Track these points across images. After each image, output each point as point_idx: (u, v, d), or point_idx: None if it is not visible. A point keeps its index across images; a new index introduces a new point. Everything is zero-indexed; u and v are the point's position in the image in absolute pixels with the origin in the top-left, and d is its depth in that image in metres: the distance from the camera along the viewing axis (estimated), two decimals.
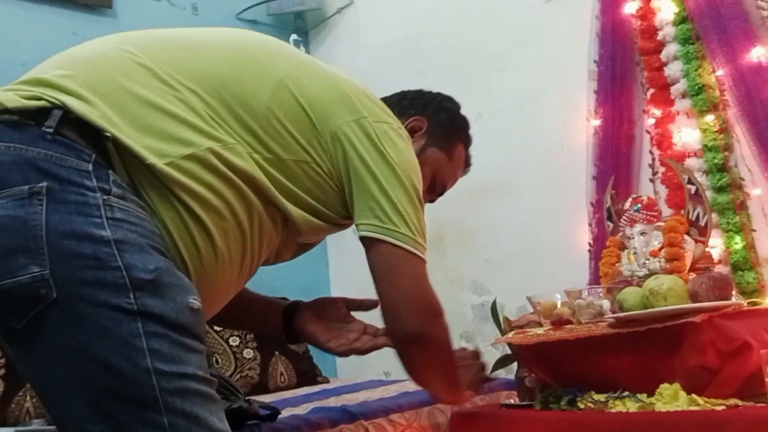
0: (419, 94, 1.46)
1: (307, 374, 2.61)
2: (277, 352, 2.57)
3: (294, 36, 3.10)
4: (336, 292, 3.13)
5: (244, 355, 2.49)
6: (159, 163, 0.92)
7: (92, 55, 1.00)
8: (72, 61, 0.98)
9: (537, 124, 2.38)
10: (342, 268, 3.13)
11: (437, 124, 1.38)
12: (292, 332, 1.33)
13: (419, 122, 1.36)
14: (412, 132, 1.32)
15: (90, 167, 0.88)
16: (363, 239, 1.09)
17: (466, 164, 1.51)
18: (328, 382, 2.64)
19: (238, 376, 2.44)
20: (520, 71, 2.46)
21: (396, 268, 1.09)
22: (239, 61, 1.04)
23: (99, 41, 1.05)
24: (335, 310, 1.34)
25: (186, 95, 0.97)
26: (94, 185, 0.87)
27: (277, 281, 3.01)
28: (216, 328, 2.56)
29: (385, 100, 1.30)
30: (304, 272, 3.15)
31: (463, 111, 2.58)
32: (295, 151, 1.04)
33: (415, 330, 1.11)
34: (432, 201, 1.44)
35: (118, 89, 0.95)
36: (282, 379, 2.52)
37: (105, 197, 0.87)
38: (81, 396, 0.83)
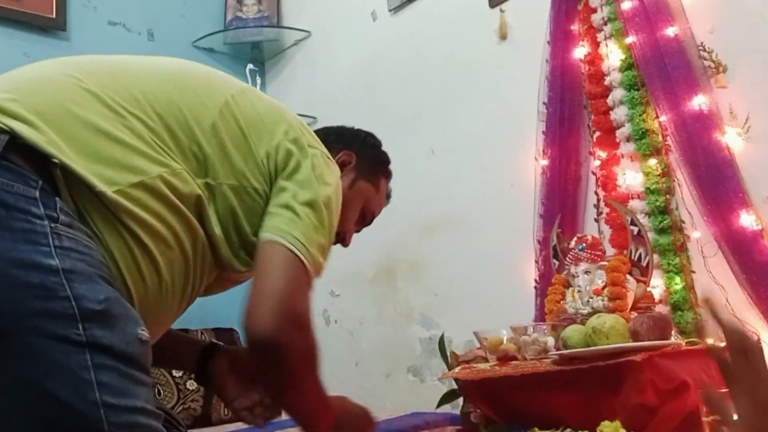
0: (343, 129, 1.52)
1: None
2: None
3: (250, 66, 3.10)
4: None
5: (188, 386, 2.44)
6: (108, 191, 0.90)
7: (37, 78, 0.99)
8: (17, 84, 0.97)
9: (488, 162, 2.42)
10: None
11: (364, 159, 1.44)
12: (205, 375, 1.27)
13: (348, 156, 1.41)
14: (342, 165, 1.35)
15: (37, 194, 0.86)
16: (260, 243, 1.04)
17: (388, 196, 1.57)
18: None
19: (181, 408, 2.38)
20: (472, 109, 2.50)
21: (275, 265, 1.01)
22: (183, 89, 1.04)
23: (42, 65, 1.03)
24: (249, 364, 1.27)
25: (131, 122, 0.96)
26: (42, 212, 0.85)
27: (225, 312, 2.97)
28: None
29: None
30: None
31: (417, 146, 2.64)
32: (237, 176, 1.03)
33: (272, 334, 0.98)
34: (359, 231, 1.49)
35: (65, 114, 0.93)
36: (225, 412, 2.47)
37: (53, 225, 0.85)
38: (32, 428, 0.81)
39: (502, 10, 2.44)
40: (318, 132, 1.38)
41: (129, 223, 0.92)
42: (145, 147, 0.95)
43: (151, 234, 0.94)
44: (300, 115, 3.11)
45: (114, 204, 0.91)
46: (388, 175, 1.55)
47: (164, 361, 1.32)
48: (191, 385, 2.45)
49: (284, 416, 1.20)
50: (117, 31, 2.96)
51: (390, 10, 2.84)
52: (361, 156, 1.43)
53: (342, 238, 1.40)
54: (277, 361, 1.02)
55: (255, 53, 3.30)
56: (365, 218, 1.48)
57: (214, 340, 1.36)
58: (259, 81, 3.14)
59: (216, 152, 1.01)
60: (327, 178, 1.09)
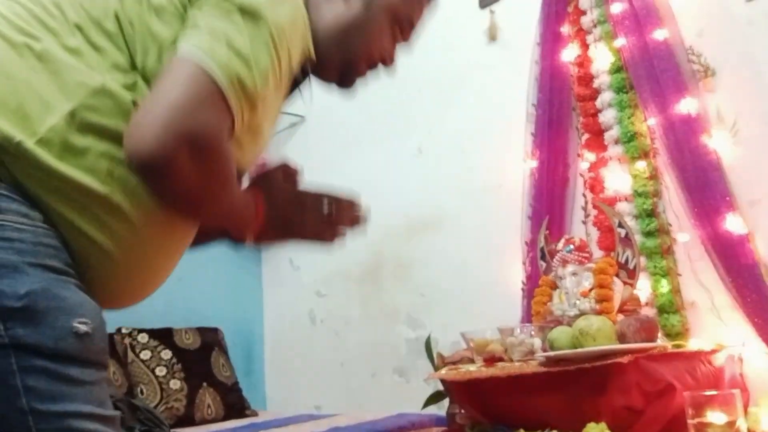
0: None
1: (235, 407, 2.55)
2: (204, 384, 2.50)
3: None
4: (269, 324, 3.09)
5: (171, 385, 2.42)
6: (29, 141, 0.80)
7: None
8: None
9: (476, 162, 2.42)
10: (277, 302, 3.09)
11: None
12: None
13: None
14: None
15: None
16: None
17: None
18: (256, 415, 2.58)
19: (164, 407, 2.36)
20: (461, 109, 2.50)
21: (169, 79, 0.82)
22: None
23: None
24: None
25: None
26: None
27: (210, 310, 2.95)
28: (142, 356, 2.47)
29: None
30: (238, 304, 3.10)
31: (404, 146, 2.64)
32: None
33: (152, 151, 0.80)
34: (407, 39, 1.16)
35: None
36: (209, 412, 2.45)
37: None
38: None
39: (492, 11, 2.44)
40: None
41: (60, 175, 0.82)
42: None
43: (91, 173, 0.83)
44: (288, 113, 3.10)
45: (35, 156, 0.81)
46: None
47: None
48: (174, 384, 2.43)
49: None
50: None
51: None
52: None
53: (383, 59, 1.12)
54: (163, 187, 0.84)
55: None
56: (403, 28, 1.13)
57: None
58: None
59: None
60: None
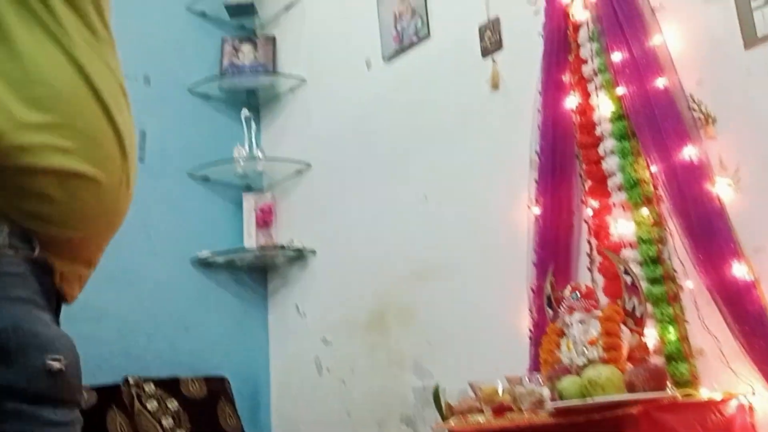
0: None
1: None
2: None
3: (245, 112, 3.14)
4: (275, 372, 3.07)
5: None
6: None
7: None
8: None
9: (481, 209, 2.43)
10: (283, 350, 3.08)
11: None
12: None
13: None
14: None
15: None
16: None
17: None
18: None
19: None
20: (465, 156, 2.53)
21: None
22: None
23: None
24: None
25: None
26: None
27: (217, 358, 2.94)
28: (149, 407, 2.46)
29: None
30: (245, 352, 3.08)
31: (410, 192, 2.65)
32: None
33: None
34: None
35: None
36: None
37: None
38: None
39: (494, 60, 2.48)
40: None
41: None
42: None
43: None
44: (294, 161, 3.15)
45: None
46: None
47: None
48: None
49: None
50: None
51: (384, 59, 2.88)
52: None
53: None
54: None
55: (250, 99, 3.33)
56: None
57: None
58: (254, 127, 3.17)
59: None
60: None
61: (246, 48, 3.29)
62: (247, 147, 3.11)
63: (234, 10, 3.29)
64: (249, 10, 3.30)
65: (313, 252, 3.00)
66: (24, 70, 0.84)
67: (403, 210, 2.72)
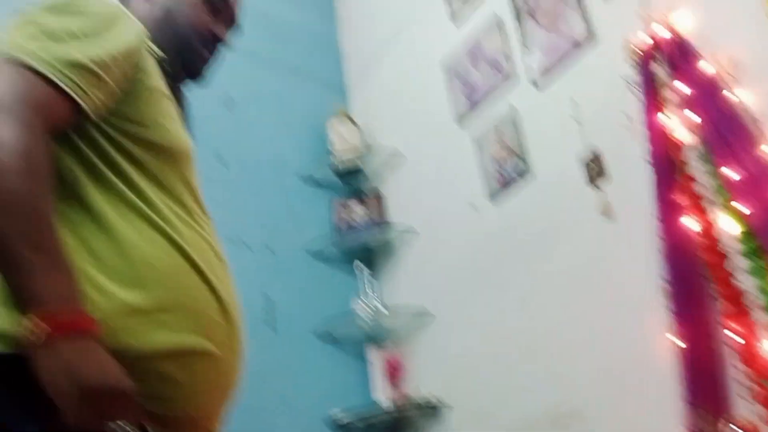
0: None
1: None
2: None
3: (361, 266, 3.24)
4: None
5: None
6: None
7: None
8: None
9: (608, 345, 2.34)
10: None
11: None
12: None
13: None
14: None
15: None
16: None
17: None
18: None
19: None
20: (588, 289, 2.46)
21: None
22: None
23: None
24: None
25: None
26: None
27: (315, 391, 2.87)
28: None
29: None
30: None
31: (538, 331, 2.59)
32: None
33: None
34: (231, 20, 1.23)
35: None
36: None
37: None
38: None
39: (600, 188, 2.47)
40: None
41: None
42: None
43: None
44: (415, 310, 3.14)
45: None
46: None
47: None
48: None
49: None
50: (235, 248, 3.15)
51: (489, 199, 2.93)
52: None
53: (213, 35, 1.18)
54: None
55: (366, 254, 3.44)
56: (217, 9, 1.21)
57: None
58: (372, 280, 3.25)
59: None
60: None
61: (356, 206, 3.44)
62: (366, 300, 3.18)
63: (342, 174, 3.49)
64: (356, 172, 3.49)
65: (450, 407, 2.94)
66: (122, 252, 0.87)
67: (531, 350, 2.65)
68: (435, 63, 3.27)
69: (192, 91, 1.25)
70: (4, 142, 0.77)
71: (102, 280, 0.84)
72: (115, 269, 0.86)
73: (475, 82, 3.05)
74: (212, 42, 1.20)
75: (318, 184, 3.49)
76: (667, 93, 2.25)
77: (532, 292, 2.68)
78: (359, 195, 3.51)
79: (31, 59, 0.84)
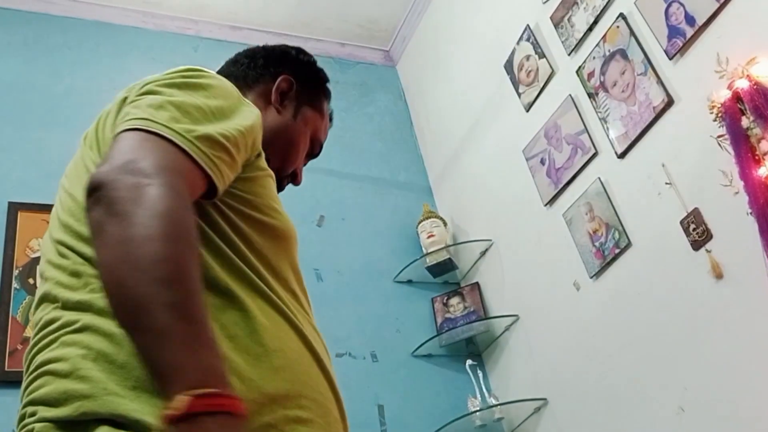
0: (270, 48, 1.35)
1: None
2: None
3: (469, 361, 3.18)
4: None
5: None
6: None
7: None
8: None
9: (751, 416, 2.17)
10: None
11: (303, 81, 1.31)
12: None
13: (286, 82, 1.28)
14: (282, 94, 1.26)
15: None
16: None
17: (330, 118, 1.40)
18: None
19: None
20: (708, 356, 2.32)
21: (125, 145, 0.84)
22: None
23: None
24: None
25: None
26: None
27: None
28: None
29: (229, 70, 1.29)
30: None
31: (660, 405, 2.45)
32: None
33: (99, 177, 0.79)
34: (306, 164, 1.35)
35: None
36: None
37: None
38: None
39: (707, 251, 2.37)
40: (240, 56, 1.33)
41: None
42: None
43: None
44: (529, 399, 3.05)
45: None
46: (328, 95, 1.39)
47: None
48: None
49: None
50: (344, 360, 3.18)
51: (591, 277, 2.86)
52: (299, 77, 1.30)
53: (294, 175, 1.30)
54: (100, 201, 0.78)
55: (470, 348, 3.39)
56: (314, 149, 1.34)
57: None
58: (480, 374, 3.18)
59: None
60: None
61: (454, 300, 3.42)
62: (479, 396, 3.10)
63: (435, 270, 3.49)
64: (449, 266, 3.49)
65: None
66: (257, 337, 0.85)
67: (656, 425, 2.50)
68: (514, 150, 3.31)
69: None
70: (153, 205, 0.76)
71: (240, 364, 0.82)
72: (251, 354, 0.84)
73: (557, 162, 3.06)
74: (288, 178, 1.31)
75: (414, 284, 3.51)
76: (760, 144, 2.19)
77: (645, 365, 2.55)
78: (456, 289, 3.50)
79: (169, 133, 0.86)
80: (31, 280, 2.74)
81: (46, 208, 2.87)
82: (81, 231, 0.90)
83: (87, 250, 0.88)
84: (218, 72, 1.27)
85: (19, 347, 2.60)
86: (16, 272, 2.74)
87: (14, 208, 2.87)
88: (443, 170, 3.87)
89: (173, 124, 0.87)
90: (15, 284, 2.71)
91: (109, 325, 0.80)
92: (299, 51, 1.36)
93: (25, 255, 2.80)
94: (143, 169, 0.79)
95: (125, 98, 0.99)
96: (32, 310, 0.95)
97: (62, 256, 0.91)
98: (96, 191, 0.79)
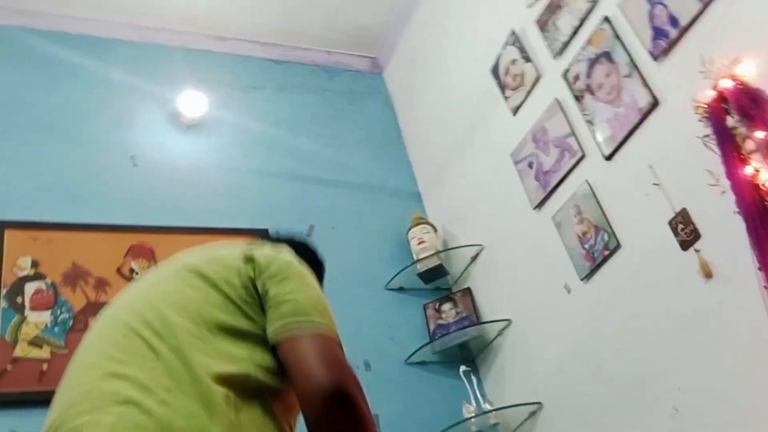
0: (300, 245, 1.57)
1: None
2: None
3: (463, 367, 3.18)
4: None
5: None
6: None
7: None
8: None
9: (744, 416, 2.18)
10: None
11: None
12: None
13: None
14: None
15: None
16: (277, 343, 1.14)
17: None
18: None
19: None
20: (702, 357, 2.33)
21: (307, 349, 1.11)
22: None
23: None
24: None
25: None
26: None
27: None
28: None
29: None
30: None
31: (656, 407, 2.45)
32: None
33: (332, 383, 1.05)
34: None
35: None
36: None
37: None
38: None
39: (696, 250, 2.38)
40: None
41: None
42: None
43: None
44: (524, 404, 3.04)
45: None
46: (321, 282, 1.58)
47: None
48: None
49: None
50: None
51: (581, 279, 2.86)
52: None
53: None
54: (347, 409, 1.04)
55: (464, 353, 3.38)
56: None
57: None
58: (474, 380, 3.17)
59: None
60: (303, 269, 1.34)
61: (446, 306, 3.42)
62: (474, 402, 3.10)
63: (427, 276, 3.49)
64: (440, 271, 3.49)
65: None
66: None
67: (651, 428, 2.50)
68: (502, 154, 3.31)
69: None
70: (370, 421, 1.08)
71: None
72: None
73: (545, 166, 3.06)
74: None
75: (405, 291, 3.51)
76: (746, 143, 2.20)
77: (648, 367, 2.55)
78: (448, 295, 3.50)
79: (334, 335, 1.21)
80: (19, 299, 2.70)
81: (34, 226, 2.88)
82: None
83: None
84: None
85: (9, 368, 2.54)
86: (3, 291, 2.69)
87: (1, 226, 2.83)
88: (432, 176, 3.87)
89: (331, 323, 1.24)
90: (3, 303, 2.67)
91: None
92: (305, 246, 1.61)
93: (12, 273, 2.75)
94: (350, 373, 1.12)
95: (251, 258, 1.27)
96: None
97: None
98: (340, 398, 1.04)
